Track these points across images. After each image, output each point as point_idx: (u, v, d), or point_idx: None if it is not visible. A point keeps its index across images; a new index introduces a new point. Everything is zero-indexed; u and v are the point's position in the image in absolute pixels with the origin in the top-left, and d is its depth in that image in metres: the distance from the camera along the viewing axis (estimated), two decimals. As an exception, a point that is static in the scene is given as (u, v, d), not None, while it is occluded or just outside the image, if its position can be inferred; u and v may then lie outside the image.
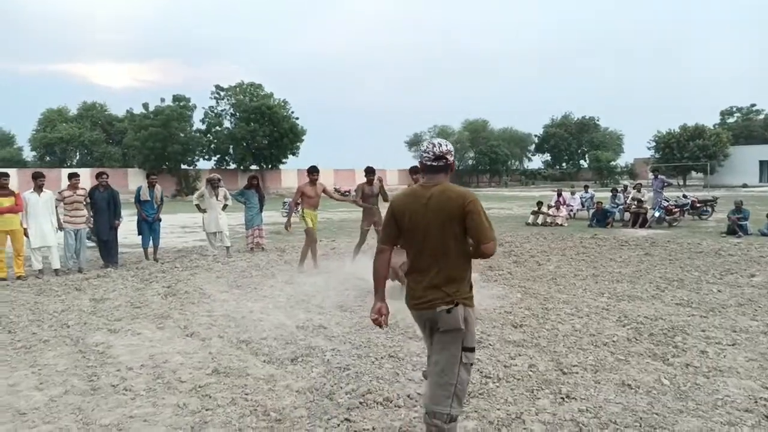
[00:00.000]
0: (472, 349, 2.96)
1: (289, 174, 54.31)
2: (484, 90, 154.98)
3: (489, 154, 66.36)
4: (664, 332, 5.58)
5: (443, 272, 2.93)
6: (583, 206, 20.59)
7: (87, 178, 42.81)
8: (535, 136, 74.17)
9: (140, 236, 10.91)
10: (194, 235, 15.64)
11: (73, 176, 9.71)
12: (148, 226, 10.75)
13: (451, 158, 3.07)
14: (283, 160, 52.15)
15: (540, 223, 17.55)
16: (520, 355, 4.96)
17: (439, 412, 2.85)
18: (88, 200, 9.89)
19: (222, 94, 51.19)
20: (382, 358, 4.91)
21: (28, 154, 57.99)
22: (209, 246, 11.61)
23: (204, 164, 51.00)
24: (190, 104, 48.39)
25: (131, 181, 44.31)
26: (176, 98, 47.91)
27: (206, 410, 3.84)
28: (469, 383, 3.13)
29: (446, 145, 3.10)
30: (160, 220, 11.00)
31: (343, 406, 3.89)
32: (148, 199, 10.73)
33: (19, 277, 8.99)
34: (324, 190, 9.78)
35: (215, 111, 50.97)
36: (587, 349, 5.12)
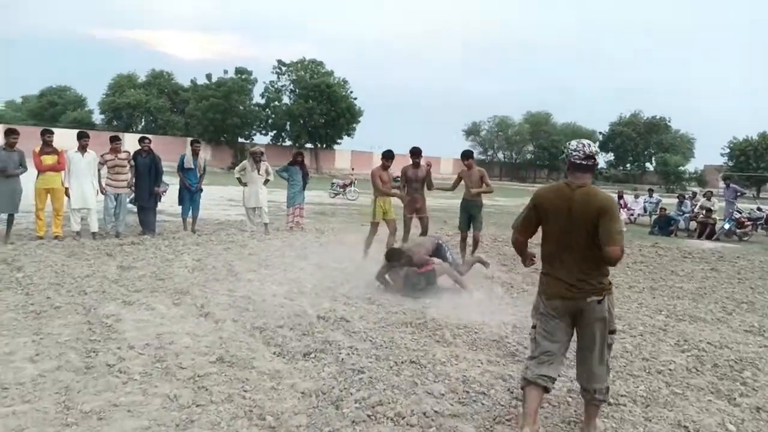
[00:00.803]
0: (614, 331, 3.43)
1: (343, 155, 54.25)
2: (550, 81, 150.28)
3: (549, 148, 64.32)
4: (730, 364, 4.84)
5: (585, 264, 3.19)
6: (645, 211, 19.37)
7: (157, 144, 43.92)
8: (600, 133, 71.21)
9: (180, 205, 10.79)
10: (237, 209, 15.50)
11: (114, 139, 9.63)
12: (189, 196, 10.60)
13: (598, 160, 3.31)
14: (338, 141, 52.12)
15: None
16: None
17: (600, 387, 3.32)
18: (133, 162, 9.78)
19: (283, 69, 51.40)
20: (402, 363, 4.42)
21: (98, 117, 60.30)
22: (247, 221, 11.39)
23: (261, 139, 51.65)
24: (252, 77, 48.86)
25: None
26: (238, 71, 48.48)
27: (197, 406, 3.47)
28: None
29: (595, 147, 3.30)
30: (201, 190, 10.83)
31: (348, 417, 3.43)
32: (192, 167, 10.56)
33: (56, 237, 8.98)
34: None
35: (275, 86, 51.29)
36: (638, 376, 4.47)
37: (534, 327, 3.42)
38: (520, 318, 5.67)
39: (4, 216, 8.81)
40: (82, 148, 9.20)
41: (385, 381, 4.02)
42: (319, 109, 48.01)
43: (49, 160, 8.89)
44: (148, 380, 3.80)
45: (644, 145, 68.35)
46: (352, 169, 42.32)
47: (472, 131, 67.77)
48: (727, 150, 51.77)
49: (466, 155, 8.78)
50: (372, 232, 8.71)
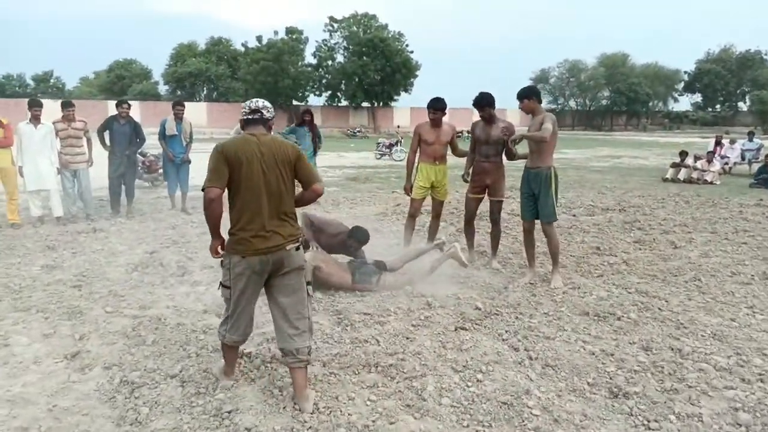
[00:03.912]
0: (310, 282, 3.27)
1: (402, 112, 51.85)
2: (625, 18, 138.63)
3: (627, 93, 58.89)
4: None
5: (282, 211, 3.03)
6: (743, 159, 16.13)
7: (206, 111, 43.79)
8: (685, 72, 64.49)
9: (166, 181, 9.21)
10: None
11: (66, 105, 8.03)
12: (175, 169, 8.99)
13: (266, 113, 3.12)
14: (395, 97, 49.74)
15: (682, 179, 13.70)
16: None
17: (303, 347, 3.02)
18: (89, 134, 8.24)
19: (335, 26, 49.18)
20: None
21: (162, 88, 60.81)
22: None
23: (315, 100, 50.13)
24: (303, 37, 47.02)
25: (246, 116, 44.30)
26: (289, 31, 46.74)
27: None
28: None
29: (262, 102, 3.14)
30: (189, 161, 9.19)
31: None
32: (175, 133, 8.90)
33: (12, 225, 7.64)
34: (452, 138, 6.05)
35: (328, 44, 49.24)
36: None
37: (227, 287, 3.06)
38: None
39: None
40: (35, 119, 7.68)
41: None
42: (373, 65, 45.68)
43: (-9, 134, 7.47)
44: None
45: (736, 83, 61.30)
46: (398, 126, 39.99)
47: (540, 78, 63.04)
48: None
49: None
50: (410, 213, 6.28)
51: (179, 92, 55.72)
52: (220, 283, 3.08)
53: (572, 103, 65.24)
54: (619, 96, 59.97)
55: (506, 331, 4.10)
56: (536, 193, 5.21)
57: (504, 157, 5.73)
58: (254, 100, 3.13)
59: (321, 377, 3.35)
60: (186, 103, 9.81)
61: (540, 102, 5.30)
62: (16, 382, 3.25)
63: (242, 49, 50.49)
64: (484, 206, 6.03)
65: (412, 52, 48.26)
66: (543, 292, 5.02)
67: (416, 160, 6.11)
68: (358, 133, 42.29)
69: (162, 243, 6.81)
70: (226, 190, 2.96)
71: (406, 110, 52.08)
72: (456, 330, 4.12)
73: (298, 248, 3.04)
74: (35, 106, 7.72)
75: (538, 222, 5.33)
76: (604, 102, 63.41)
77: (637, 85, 58.45)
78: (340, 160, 20.65)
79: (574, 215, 8.92)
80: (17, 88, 63.35)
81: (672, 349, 3.76)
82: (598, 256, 6.38)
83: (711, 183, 13.24)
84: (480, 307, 4.59)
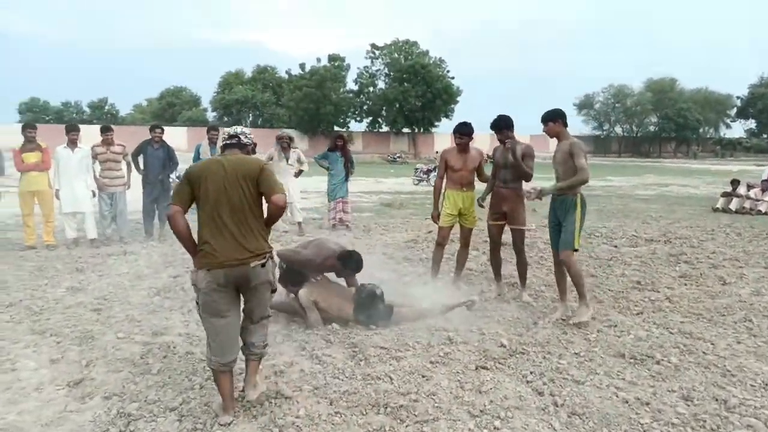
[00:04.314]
0: (275, 290, 3.31)
1: (443, 138, 51.76)
2: (674, 43, 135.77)
3: (676, 118, 57.24)
4: None
5: (245, 228, 3.09)
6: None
7: (259, 137, 44.45)
8: (737, 98, 62.28)
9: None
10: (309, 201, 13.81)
11: (105, 130, 8.22)
12: (208, 193, 9.03)
13: (243, 138, 3.28)
14: (436, 123, 49.74)
15: (734, 209, 12.96)
16: None
17: (259, 342, 3.27)
18: (128, 158, 8.39)
19: (377, 53, 49.83)
20: None
21: (210, 115, 62.68)
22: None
23: (356, 126, 50.64)
24: (345, 64, 47.79)
25: (287, 142, 45.09)
26: (331, 58, 47.58)
27: None
28: None
29: (240, 128, 3.31)
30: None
31: None
32: (209, 157, 8.97)
33: (47, 246, 7.78)
34: (479, 164, 5.78)
35: (369, 71, 49.86)
36: None
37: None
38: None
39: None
40: (72, 143, 7.89)
41: None
42: (414, 91, 45.92)
43: (31, 158, 7.67)
44: None
45: (795, 108, 58.75)
46: (436, 152, 39.79)
47: (584, 104, 62.02)
48: None
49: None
50: (438, 242, 5.98)
51: (226, 119, 57.30)
52: (195, 301, 3.13)
53: (618, 129, 63.80)
54: (667, 122, 58.36)
55: (531, 373, 3.80)
56: (561, 220, 4.91)
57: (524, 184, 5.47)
58: (234, 127, 3.31)
59: (326, 417, 3.14)
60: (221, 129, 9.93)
61: (566, 125, 4.99)
62: (13, 409, 3.18)
63: (286, 76, 51.72)
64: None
65: (452, 78, 48.41)
66: (575, 329, 4.68)
67: (443, 187, 5.91)
68: (398, 159, 42.35)
69: (188, 266, 6.74)
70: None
71: (446, 136, 51.89)
72: (477, 369, 3.85)
73: (263, 265, 3.06)
74: (73, 130, 7.91)
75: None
76: (651, 128, 61.77)
77: (687, 110, 56.77)
78: (378, 185, 20.58)
79: (615, 246, 8.48)
80: (74, 115, 66.38)
81: (716, 400, 3.39)
82: (638, 291, 5.98)
83: (765, 213, 12.49)
84: (505, 345, 4.30)
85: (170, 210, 3.02)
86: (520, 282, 5.73)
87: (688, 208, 14.05)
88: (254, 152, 3.38)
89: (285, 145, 9.27)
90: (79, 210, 7.98)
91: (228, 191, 3.00)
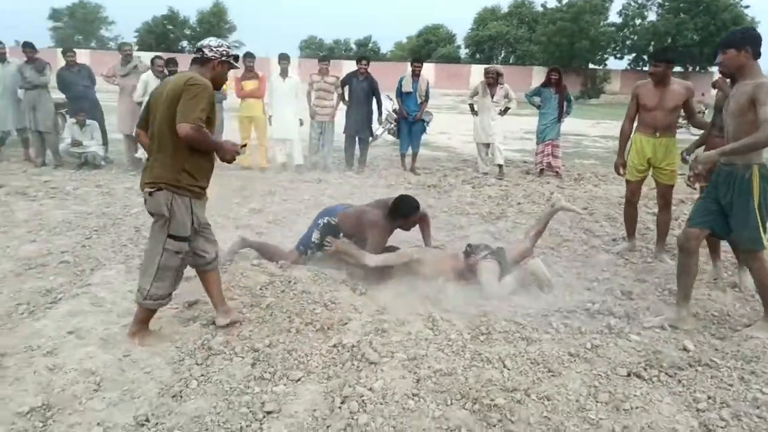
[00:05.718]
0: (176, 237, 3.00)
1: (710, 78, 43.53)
2: None
3: None
4: None
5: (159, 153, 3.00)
6: None
7: (434, 72, 42.86)
8: None
9: (398, 139, 9.11)
10: (516, 143, 12.88)
11: (322, 59, 8.55)
12: (408, 127, 8.80)
13: (207, 51, 3.04)
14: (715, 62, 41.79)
15: None
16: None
17: (143, 288, 3.02)
18: (340, 90, 8.53)
19: (651, -22, 43.17)
20: None
21: (462, 52, 62.65)
22: (479, 161, 8.97)
23: (615, 63, 45.42)
24: (611, -7, 42.63)
25: (535, 80, 42.54)
26: (595, -13, 42.77)
27: None
28: None
29: (208, 41, 3.08)
30: (423, 121, 8.90)
31: None
32: (411, 90, 8.68)
33: (260, 169, 8.47)
34: (686, 102, 4.52)
35: (638, 1, 43.66)
36: None
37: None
38: None
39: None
40: (283, 72, 8.30)
41: None
42: (692, 24, 38.91)
43: (249, 85, 8.30)
44: None
45: None
46: (702, 95, 33.22)
47: None
48: None
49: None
50: (627, 198, 5.03)
51: (478, 56, 56.56)
52: None
53: None
54: None
55: (709, 398, 2.70)
56: (725, 203, 3.34)
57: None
58: (208, 38, 3.12)
59: (399, 397, 2.62)
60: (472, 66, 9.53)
61: (756, 56, 3.23)
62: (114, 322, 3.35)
63: (541, 9, 48.37)
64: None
65: (746, 6, 39.61)
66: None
67: (632, 130, 4.67)
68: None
69: (362, 199, 6.66)
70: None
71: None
72: (628, 376, 2.89)
73: (151, 193, 2.94)
74: (283, 59, 8.32)
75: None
76: None
77: None
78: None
79: None
80: (343, 51, 72.81)
81: None
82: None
83: None
84: (689, 349, 3.17)
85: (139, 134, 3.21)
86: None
87: None
88: (230, 68, 3.10)
89: (491, 80, 8.43)
90: (288, 137, 8.46)
91: (155, 113, 2.96)
